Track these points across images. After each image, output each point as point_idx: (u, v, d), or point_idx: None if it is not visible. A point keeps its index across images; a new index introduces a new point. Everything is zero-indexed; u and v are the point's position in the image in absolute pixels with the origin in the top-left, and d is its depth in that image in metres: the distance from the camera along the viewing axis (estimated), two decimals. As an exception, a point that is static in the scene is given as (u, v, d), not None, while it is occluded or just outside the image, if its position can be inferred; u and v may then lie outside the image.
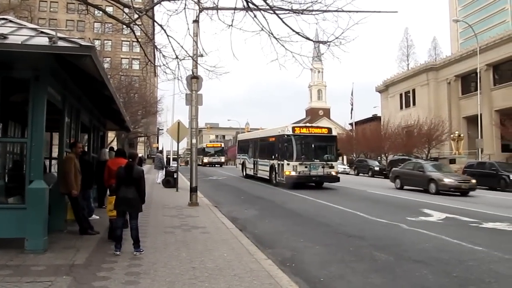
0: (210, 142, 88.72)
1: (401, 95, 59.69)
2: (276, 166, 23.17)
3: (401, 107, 58.90)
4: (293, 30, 9.24)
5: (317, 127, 24.88)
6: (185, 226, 10.07)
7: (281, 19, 9.10)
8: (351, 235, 9.82)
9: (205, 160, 59.79)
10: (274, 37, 9.21)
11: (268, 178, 24.86)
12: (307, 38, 9.51)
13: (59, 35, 6.37)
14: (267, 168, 24.84)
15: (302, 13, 9.09)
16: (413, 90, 56.58)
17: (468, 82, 49.06)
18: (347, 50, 16.63)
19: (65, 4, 71.05)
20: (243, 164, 31.35)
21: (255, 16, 9.07)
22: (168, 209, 12.98)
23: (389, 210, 14.26)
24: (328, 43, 9.35)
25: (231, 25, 9.21)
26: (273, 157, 23.92)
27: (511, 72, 42.98)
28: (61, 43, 6.25)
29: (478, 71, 39.15)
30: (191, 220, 10.91)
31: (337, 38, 9.15)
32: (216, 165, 59.39)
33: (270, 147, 25.20)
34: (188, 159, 36.60)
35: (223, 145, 69.18)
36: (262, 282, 5.80)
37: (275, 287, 5.63)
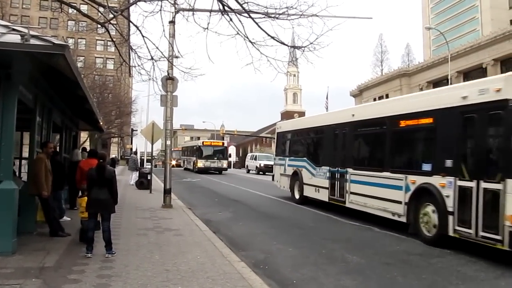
0: (190, 138, 67.17)
1: (374, 99, 60.51)
2: (452, 194, 8.62)
3: (375, 112, 59.66)
4: (268, 35, 9.35)
5: None
6: (158, 228, 10.00)
7: (256, 23, 9.19)
8: (324, 237, 9.95)
9: (200, 164, 41.50)
10: (250, 41, 9.30)
11: (396, 217, 10.64)
12: (282, 43, 9.63)
13: (31, 32, 6.24)
14: (396, 195, 10.51)
15: (277, 18, 9.20)
16: (387, 95, 57.38)
17: (440, 89, 50.24)
18: (321, 55, 16.61)
19: (38, 1, 69.66)
20: (296, 177, 16.68)
21: (231, 19, 9.15)
22: (141, 211, 12.84)
23: (362, 213, 14.42)
24: (303, 48, 9.50)
25: (207, 28, 9.26)
26: (433, 168, 9.39)
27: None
28: (33, 41, 6.13)
29: (449, 77, 40.10)
30: (164, 222, 10.85)
31: (311, 43, 9.32)
32: (212, 172, 41.40)
33: (412, 143, 11.11)
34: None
35: (225, 144, 49.16)
36: (235, 284, 5.83)
37: (248, 289, 5.65)
